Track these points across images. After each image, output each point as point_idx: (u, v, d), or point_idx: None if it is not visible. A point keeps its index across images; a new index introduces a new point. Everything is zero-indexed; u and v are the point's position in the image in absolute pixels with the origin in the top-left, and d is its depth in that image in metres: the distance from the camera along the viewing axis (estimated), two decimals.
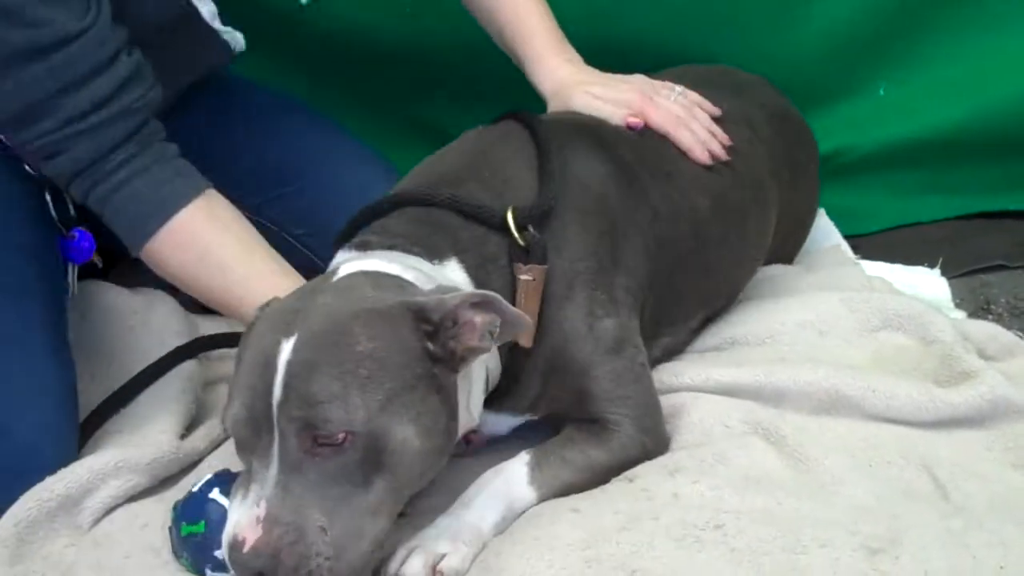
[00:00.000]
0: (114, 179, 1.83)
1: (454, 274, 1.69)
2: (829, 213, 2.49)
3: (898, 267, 2.42)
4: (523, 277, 1.71)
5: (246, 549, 1.41)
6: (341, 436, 1.44)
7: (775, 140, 2.23)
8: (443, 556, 1.56)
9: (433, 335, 1.53)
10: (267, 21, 2.50)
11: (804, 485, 1.70)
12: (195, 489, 1.64)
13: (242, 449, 1.51)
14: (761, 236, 2.18)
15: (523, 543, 1.59)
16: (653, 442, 1.78)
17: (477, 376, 1.67)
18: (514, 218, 1.72)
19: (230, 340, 2.05)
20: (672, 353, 2.03)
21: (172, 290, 2.15)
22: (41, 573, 1.63)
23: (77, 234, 2.05)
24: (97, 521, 1.73)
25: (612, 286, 1.81)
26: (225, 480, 1.63)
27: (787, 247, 2.35)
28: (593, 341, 1.76)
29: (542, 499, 1.67)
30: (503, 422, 1.82)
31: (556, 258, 1.75)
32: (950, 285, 2.41)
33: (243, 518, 1.43)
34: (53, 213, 2.03)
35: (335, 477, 1.45)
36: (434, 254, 1.69)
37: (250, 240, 1.91)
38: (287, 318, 1.51)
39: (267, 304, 1.63)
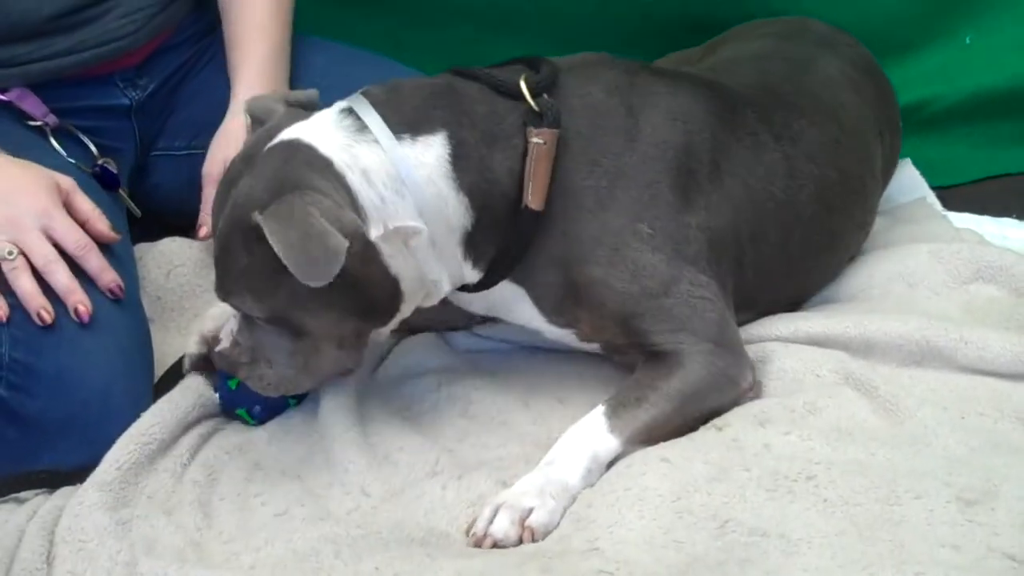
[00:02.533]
0: None
1: (427, 151, 1.65)
2: (915, 164, 2.45)
3: (986, 219, 2.38)
4: (534, 140, 1.69)
5: (217, 349, 1.73)
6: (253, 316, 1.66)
7: (875, 100, 2.19)
8: (530, 511, 1.56)
9: None
10: None
11: (896, 436, 1.68)
12: None
13: None
14: (877, 203, 2.16)
15: (613, 494, 1.58)
16: (731, 362, 1.76)
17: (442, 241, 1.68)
18: (527, 85, 1.72)
19: None
20: None
21: None
22: (145, 514, 1.64)
23: (99, 168, 2.09)
24: (194, 455, 1.76)
25: (673, 224, 1.77)
26: None
27: None
28: (627, 277, 1.73)
29: (626, 443, 1.66)
30: (524, 307, 1.81)
31: (596, 175, 1.74)
32: None
33: (224, 330, 1.73)
34: (65, 155, 2.05)
35: (275, 334, 1.67)
36: (418, 128, 1.66)
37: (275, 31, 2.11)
38: (224, 192, 1.65)
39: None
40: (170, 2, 2.19)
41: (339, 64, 2.25)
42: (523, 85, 1.72)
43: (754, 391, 1.78)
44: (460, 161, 1.66)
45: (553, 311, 1.79)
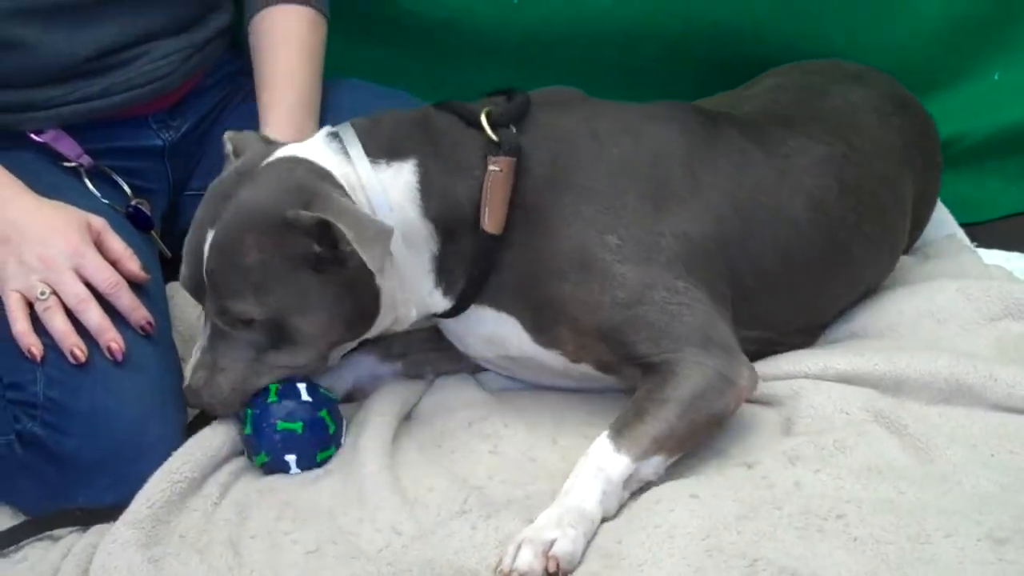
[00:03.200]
0: None
1: (397, 177, 1.75)
2: (944, 201, 2.44)
3: (1016, 255, 2.38)
4: (491, 168, 1.77)
5: (184, 385, 1.80)
6: (247, 319, 1.71)
7: (905, 128, 2.20)
8: (552, 542, 1.56)
9: (319, 240, 1.67)
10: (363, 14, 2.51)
11: (926, 475, 1.68)
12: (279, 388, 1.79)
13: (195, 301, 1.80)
14: (901, 227, 2.16)
15: (643, 530, 1.58)
16: (724, 363, 1.76)
17: (409, 265, 1.78)
18: (487, 117, 1.79)
19: None
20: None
21: None
22: (177, 553, 1.64)
23: (132, 209, 2.11)
24: (225, 493, 1.77)
25: (644, 233, 1.80)
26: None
27: (909, 237, 2.30)
28: (597, 290, 1.77)
29: (636, 460, 1.66)
30: (508, 327, 1.85)
31: (560, 196, 1.80)
32: None
33: (190, 364, 1.79)
34: (99, 194, 2.07)
35: (249, 340, 1.74)
36: (392, 155, 1.77)
37: (305, 76, 2.17)
38: (217, 203, 1.72)
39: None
40: (204, 44, 2.21)
41: (368, 104, 2.27)
42: (483, 117, 1.80)
43: (754, 389, 1.79)
44: (426, 188, 1.76)
45: (536, 331, 1.83)
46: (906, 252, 2.30)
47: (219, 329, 1.75)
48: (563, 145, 1.84)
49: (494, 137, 1.78)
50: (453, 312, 1.84)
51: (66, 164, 2.08)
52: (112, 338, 1.79)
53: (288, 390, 1.78)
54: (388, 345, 1.99)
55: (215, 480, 1.77)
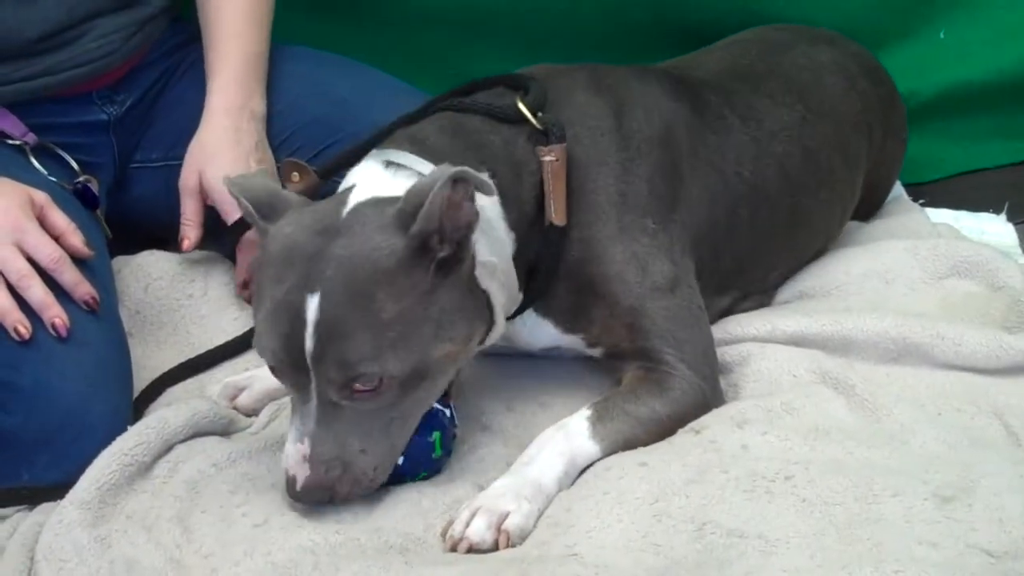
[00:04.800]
0: None
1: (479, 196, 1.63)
2: None
3: (963, 214, 2.40)
4: (546, 159, 1.71)
5: (299, 487, 1.56)
6: (377, 383, 1.52)
7: (870, 94, 2.21)
8: (507, 514, 1.56)
9: (440, 241, 1.53)
10: None
11: (874, 434, 1.69)
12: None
13: (279, 377, 1.59)
14: (850, 192, 2.17)
15: (592, 498, 1.58)
16: (711, 391, 1.77)
17: (503, 272, 1.69)
18: (524, 104, 1.73)
19: None
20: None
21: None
22: (124, 530, 1.62)
23: (80, 186, 2.08)
24: (174, 472, 1.73)
25: (668, 221, 1.80)
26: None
27: (866, 207, 2.32)
28: (638, 272, 1.75)
29: (604, 453, 1.67)
30: (544, 329, 1.82)
31: (603, 176, 1.76)
32: (1016, 230, 2.37)
33: (291, 457, 1.57)
34: (45, 172, 2.05)
35: (372, 410, 1.56)
36: None
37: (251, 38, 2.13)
38: (306, 265, 1.52)
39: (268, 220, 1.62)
40: (147, 21, 2.18)
41: (314, 71, 2.26)
42: (523, 107, 1.73)
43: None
44: (503, 196, 1.66)
45: (564, 317, 1.80)
46: (865, 219, 2.32)
47: (331, 405, 1.55)
48: (592, 123, 1.80)
49: (539, 126, 1.72)
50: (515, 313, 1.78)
51: (10, 142, 2.06)
52: (56, 314, 1.77)
53: None
54: None
55: (166, 461, 1.74)
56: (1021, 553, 1.46)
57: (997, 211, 2.41)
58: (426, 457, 1.67)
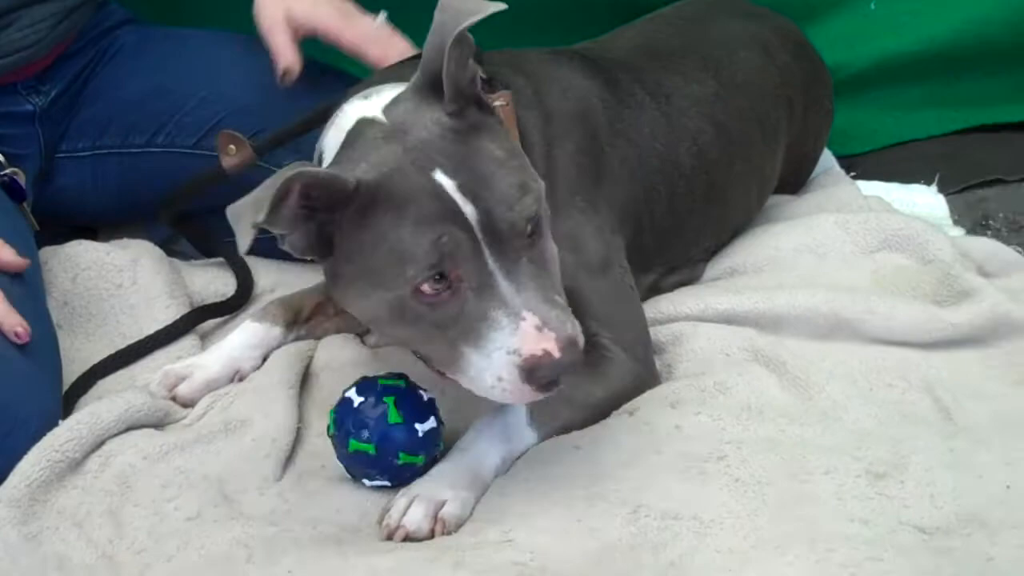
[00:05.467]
0: None
1: None
2: None
3: (894, 185, 2.41)
4: (497, 103, 1.68)
5: (558, 353, 1.44)
6: (533, 223, 1.49)
7: (791, 67, 2.21)
8: (444, 503, 1.56)
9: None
10: None
11: (806, 412, 1.71)
12: (356, 400, 1.63)
13: (454, 270, 1.47)
14: (769, 165, 2.17)
15: (527, 483, 1.59)
16: (646, 372, 1.77)
17: None
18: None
19: (234, 306, 2.08)
20: (682, 286, 2.03)
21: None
22: (55, 527, 1.61)
23: (8, 179, 2.05)
24: (105, 466, 1.71)
25: (595, 198, 1.80)
26: (371, 387, 1.64)
27: (793, 180, 2.33)
28: (572, 252, 1.71)
29: (542, 439, 1.67)
30: None
31: (531, 155, 1.69)
32: (948, 202, 2.40)
33: (526, 337, 1.45)
34: None
35: (537, 265, 1.50)
36: None
37: None
38: (407, 166, 1.48)
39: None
40: (74, 9, 2.14)
41: (244, 57, 2.22)
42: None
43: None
44: None
45: None
46: (794, 192, 2.32)
47: (512, 272, 1.48)
48: (519, 99, 1.78)
49: (483, 75, 1.65)
50: None
51: None
52: None
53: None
54: (274, 316, 1.95)
55: (97, 455, 1.72)
56: (952, 529, 1.49)
57: (928, 182, 2.43)
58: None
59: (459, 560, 1.46)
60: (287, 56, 2.04)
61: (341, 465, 1.65)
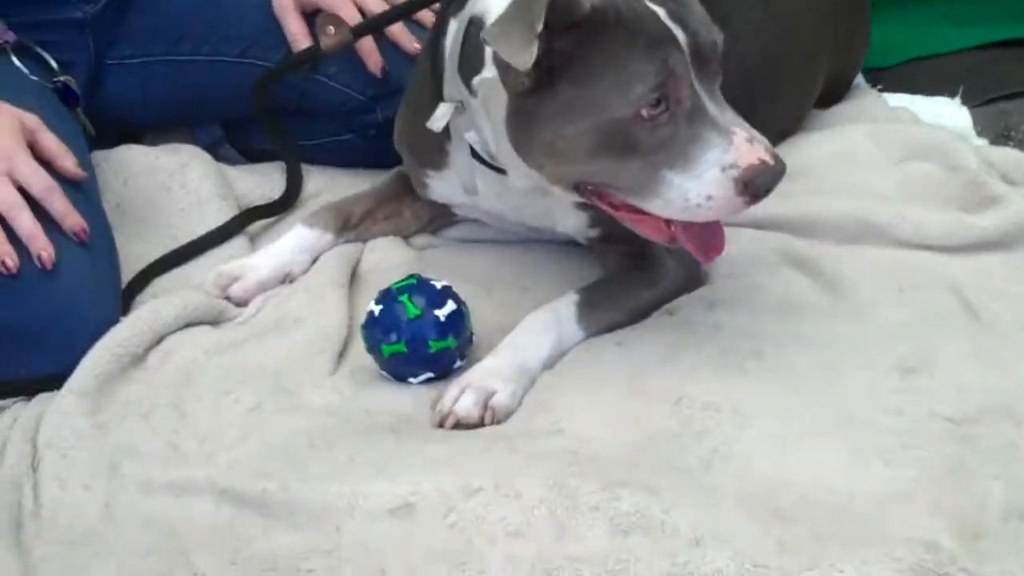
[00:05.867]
0: None
1: None
2: None
3: (919, 98, 2.44)
4: None
5: (772, 162, 1.54)
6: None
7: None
8: (494, 392, 1.62)
9: None
10: None
11: (839, 311, 1.77)
12: (376, 309, 1.70)
13: (675, 91, 1.53)
14: (809, 90, 2.22)
15: (571, 377, 1.66)
16: (693, 276, 1.83)
17: None
18: None
19: (282, 207, 2.14)
20: None
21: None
22: (122, 417, 1.67)
23: (61, 85, 2.10)
24: (166, 360, 1.78)
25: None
26: (386, 294, 1.71)
27: (827, 97, 2.37)
28: None
29: (588, 337, 1.73)
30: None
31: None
32: (970, 114, 2.42)
33: (741, 150, 1.54)
34: (27, 72, 2.06)
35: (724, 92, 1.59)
36: None
37: None
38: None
39: None
40: None
41: None
42: None
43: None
44: None
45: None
46: (826, 108, 2.37)
47: (715, 93, 1.59)
48: None
49: None
50: None
51: None
52: (42, 247, 1.77)
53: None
54: (325, 223, 2.00)
55: (158, 350, 1.79)
56: (978, 419, 1.55)
57: (952, 95, 2.46)
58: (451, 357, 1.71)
59: (512, 446, 1.53)
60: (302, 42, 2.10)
61: (386, 374, 1.73)
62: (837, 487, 1.45)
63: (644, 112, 1.52)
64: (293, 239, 1.98)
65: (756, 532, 1.37)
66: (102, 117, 2.21)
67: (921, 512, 1.40)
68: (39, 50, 2.10)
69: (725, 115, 1.55)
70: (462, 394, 1.62)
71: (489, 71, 1.62)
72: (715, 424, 1.55)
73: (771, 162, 1.53)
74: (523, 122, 1.62)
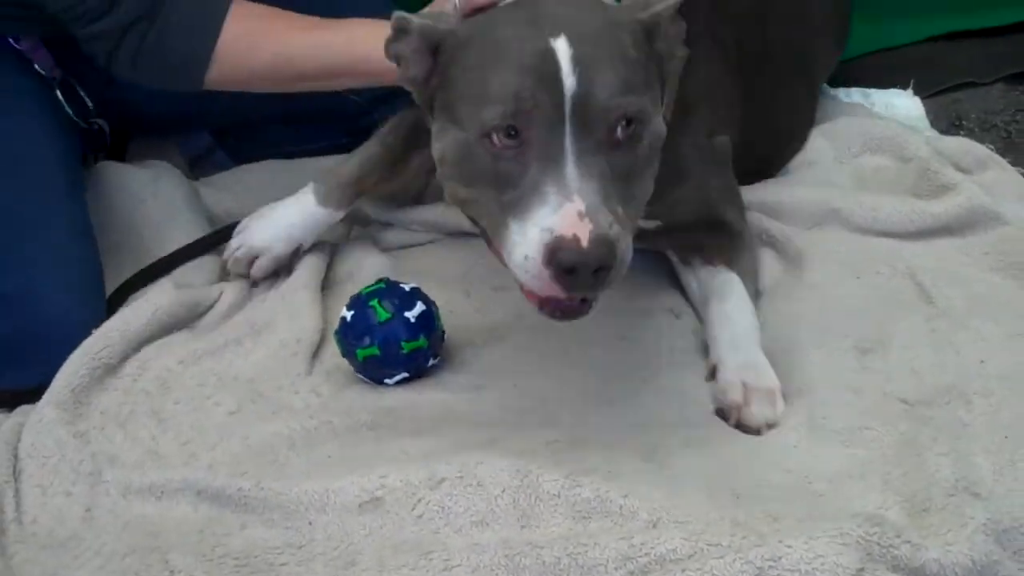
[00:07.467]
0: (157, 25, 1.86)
1: None
2: None
3: (873, 91, 2.48)
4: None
5: (587, 242, 1.38)
6: (629, 130, 1.45)
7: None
8: (776, 389, 1.66)
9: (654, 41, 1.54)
10: None
11: (801, 290, 1.83)
12: (348, 315, 1.74)
13: (525, 129, 1.45)
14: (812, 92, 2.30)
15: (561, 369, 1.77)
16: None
17: None
18: None
19: None
20: None
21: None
22: (100, 427, 1.71)
23: (97, 127, 2.14)
24: (143, 370, 1.80)
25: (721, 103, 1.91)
26: (357, 299, 1.74)
27: None
28: (711, 153, 1.86)
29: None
30: None
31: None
32: (923, 104, 2.46)
33: (564, 218, 1.39)
34: (68, 109, 2.09)
35: (614, 171, 1.45)
36: None
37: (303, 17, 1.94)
38: (533, 23, 1.48)
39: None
40: None
41: None
42: None
43: None
44: None
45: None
46: None
47: (585, 161, 1.43)
48: None
49: None
50: None
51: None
52: None
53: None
54: (338, 200, 2.01)
55: (134, 360, 1.82)
56: (933, 400, 1.62)
57: (904, 87, 2.50)
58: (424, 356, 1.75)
59: (488, 437, 1.59)
60: None
61: (364, 378, 1.76)
62: (794, 468, 1.51)
63: (494, 138, 1.45)
64: (306, 216, 2.00)
65: (712, 513, 1.43)
66: (115, 114, 2.22)
67: (873, 488, 1.46)
68: (80, 91, 2.11)
69: (583, 183, 1.41)
70: (750, 408, 1.64)
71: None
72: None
73: (584, 243, 1.37)
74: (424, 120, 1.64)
